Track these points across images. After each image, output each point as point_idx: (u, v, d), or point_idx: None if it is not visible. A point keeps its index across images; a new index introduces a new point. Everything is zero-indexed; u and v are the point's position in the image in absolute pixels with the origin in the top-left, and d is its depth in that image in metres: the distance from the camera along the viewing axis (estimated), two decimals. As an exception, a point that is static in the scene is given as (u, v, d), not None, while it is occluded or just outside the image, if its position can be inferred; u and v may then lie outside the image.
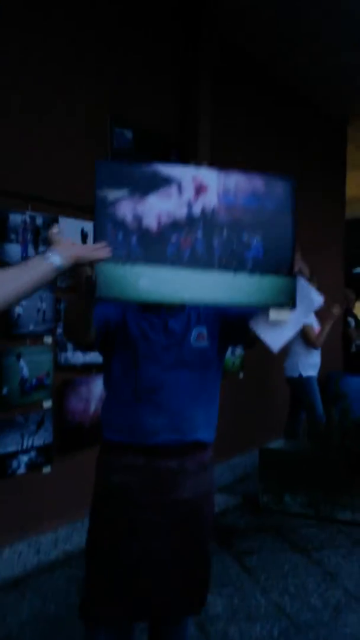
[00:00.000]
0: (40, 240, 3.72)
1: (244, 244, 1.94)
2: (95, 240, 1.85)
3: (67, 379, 3.89)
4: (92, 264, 1.75)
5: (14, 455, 3.57)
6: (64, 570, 3.66)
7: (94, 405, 4.06)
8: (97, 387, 4.08)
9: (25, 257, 3.63)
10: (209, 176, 1.93)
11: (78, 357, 3.96)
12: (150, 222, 1.88)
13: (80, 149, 4.02)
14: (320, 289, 6.14)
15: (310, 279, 5.68)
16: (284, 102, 6.36)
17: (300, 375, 5.33)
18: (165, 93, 4.76)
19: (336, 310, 5.42)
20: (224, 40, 5.29)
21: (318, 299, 2.07)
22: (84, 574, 2.18)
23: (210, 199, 1.92)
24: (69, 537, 3.86)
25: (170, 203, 1.90)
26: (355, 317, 8.07)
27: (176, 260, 1.90)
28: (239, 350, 5.46)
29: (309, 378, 5.33)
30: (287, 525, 4.41)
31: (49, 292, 3.76)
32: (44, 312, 3.75)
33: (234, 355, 5.42)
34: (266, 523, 4.45)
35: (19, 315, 3.59)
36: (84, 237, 4.02)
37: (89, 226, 4.03)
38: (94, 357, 3.88)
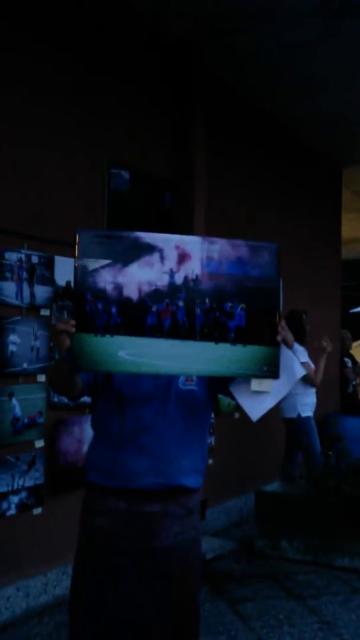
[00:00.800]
0: (35, 278, 3.72)
1: (227, 312, 1.92)
2: (74, 308, 1.88)
3: (59, 418, 3.85)
4: (68, 335, 1.83)
5: (4, 495, 3.49)
6: (53, 615, 3.54)
7: (86, 446, 3.99)
8: (90, 427, 4.02)
9: (20, 296, 3.63)
10: (192, 244, 1.92)
11: (72, 396, 3.92)
12: (131, 291, 1.88)
13: (78, 189, 4.07)
14: (317, 329, 6.12)
15: (302, 320, 5.64)
16: (281, 146, 6.46)
17: (299, 416, 5.25)
18: (161, 135, 4.83)
19: (327, 345, 5.36)
20: (219, 84, 5.40)
21: (300, 370, 2.03)
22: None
23: (193, 267, 1.91)
24: (59, 581, 3.75)
25: (152, 272, 1.89)
26: (351, 357, 8.05)
27: (156, 330, 1.89)
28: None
29: (307, 418, 5.27)
30: (284, 571, 4.30)
31: (42, 330, 3.74)
32: (38, 349, 3.72)
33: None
34: (262, 569, 4.35)
35: (12, 353, 3.57)
36: (79, 275, 4.02)
37: (85, 265, 4.04)
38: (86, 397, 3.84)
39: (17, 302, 3.62)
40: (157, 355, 1.89)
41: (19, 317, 3.61)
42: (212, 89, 5.19)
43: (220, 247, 1.93)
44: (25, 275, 3.68)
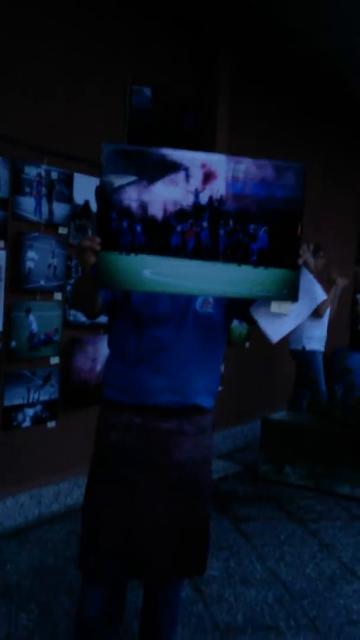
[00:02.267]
0: (54, 195, 3.67)
1: (250, 234, 1.90)
2: (99, 226, 1.84)
3: (75, 337, 3.88)
4: (93, 252, 1.82)
5: (20, 408, 3.58)
6: (64, 523, 3.69)
7: (100, 365, 4.05)
8: (104, 347, 4.07)
9: (39, 212, 3.59)
10: (218, 163, 1.87)
11: (87, 316, 3.95)
12: (156, 210, 1.85)
13: (99, 105, 3.95)
14: (330, 263, 6.03)
15: (316, 253, 5.52)
16: (307, 78, 6.20)
17: (304, 348, 5.23)
18: (186, 54, 4.65)
19: (337, 277, 5.29)
20: (246, 6, 5.13)
21: (321, 294, 2.04)
22: (81, 528, 2.19)
23: (219, 187, 1.86)
24: (71, 491, 3.89)
25: (177, 191, 1.85)
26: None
27: (180, 250, 1.87)
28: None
29: (312, 352, 5.23)
30: (286, 495, 4.44)
31: (60, 248, 3.72)
32: (55, 267, 3.72)
33: (241, 324, 5.39)
34: (265, 492, 4.48)
35: (29, 269, 3.56)
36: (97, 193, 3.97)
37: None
38: (102, 316, 3.86)
39: (35, 218, 3.59)
40: (180, 276, 1.88)
41: (37, 234, 3.59)
42: (238, 9, 4.94)
43: (246, 167, 1.89)
44: (44, 191, 3.63)
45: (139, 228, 1.84)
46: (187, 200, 1.86)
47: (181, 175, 1.86)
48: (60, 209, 3.72)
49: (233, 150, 4.94)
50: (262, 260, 1.91)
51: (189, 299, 2.11)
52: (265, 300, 1.98)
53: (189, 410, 2.12)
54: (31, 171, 3.53)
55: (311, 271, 2.04)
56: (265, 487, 4.58)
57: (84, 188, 3.86)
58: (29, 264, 3.57)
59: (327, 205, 6.76)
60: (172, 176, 1.85)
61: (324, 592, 3.11)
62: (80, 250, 1.86)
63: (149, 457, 2.07)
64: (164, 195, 1.85)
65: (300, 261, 1.93)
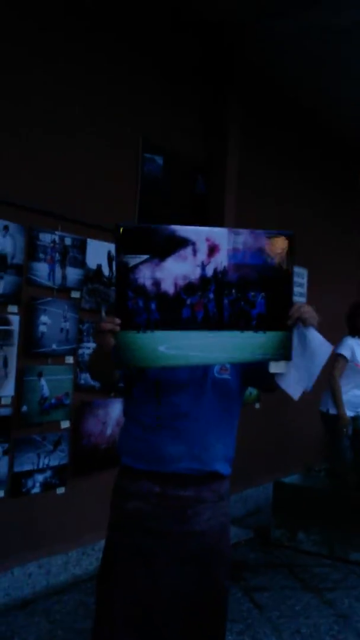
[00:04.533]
0: (67, 260, 3.74)
1: (250, 301, 1.99)
2: (117, 306, 1.88)
3: (85, 400, 3.88)
4: (112, 334, 1.86)
5: (30, 474, 3.54)
6: (72, 594, 3.59)
7: (110, 428, 4.03)
8: (114, 410, 4.06)
9: (52, 277, 3.65)
10: (220, 235, 1.96)
11: (97, 379, 3.95)
12: (168, 286, 1.91)
13: (111, 172, 4.06)
14: (337, 302, 5.87)
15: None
16: (310, 132, 6.40)
17: (327, 412, 4.94)
18: (195, 120, 4.80)
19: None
20: (254, 68, 5.34)
21: (326, 347, 2.10)
22: (95, 599, 2.14)
23: (222, 259, 1.95)
24: (79, 560, 3.80)
25: (186, 265, 1.92)
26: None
27: (191, 322, 1.94)
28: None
29: (334, 416, 4.90)
30: (300, 562, 4.32)
31: (72, 312, 3.76)
32: (67, 331, 3.74)
33: (251, 385, 5.36)
34: (278, 559, 4.37)
35: (42, 333, 3.59)
36: (110, 259, 4.04)
37: (114, 248, 4.04)
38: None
39: (48, 283, 3.64)
40: (192, 347, 1.94)
41: (50, 298, 3.63)
42: (246, 73, 5.15)
43: (244, 238, 1.99)
44: (57, 257, 3.70)
45: (153, 305, 1.90)
46: (195, 274, 1.93)
47: (189, 250, 1.94)
48: (73, 274, 3.78)
49: (242, 210, 5.05)
50: (261, 324, 2.00)
51: (207, 366, 2.13)
52: (272, 363, 2.04)
53: (208, 478, 2.10)
54: (45, 237, 3.61)
55: (312, 326, 2.08)
56: (277, 554, 4.46)
57: (97, 253, 3.93)
58: (42, 328, 3.60)
59: (332, 250, 6.85)
60: (182, 251, 1.93)
61: (343, 668, 3.00)
62: (99, 332, 1.89)
63: (167, 525, 2.04)
64: (174, 271, 1.91)
65: (289, 322, 2.01)
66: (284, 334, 2.03)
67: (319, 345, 2.06)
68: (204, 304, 1.94)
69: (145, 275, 1.89)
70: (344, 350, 4.89)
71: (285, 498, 4.65)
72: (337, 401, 4.85)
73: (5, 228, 3.39)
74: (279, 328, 2.02)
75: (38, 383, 3.57)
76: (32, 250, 3.54)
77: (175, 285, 1.92)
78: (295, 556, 4.42)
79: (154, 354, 1.90)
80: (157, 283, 1.90)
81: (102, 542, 3.93)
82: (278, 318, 2.02)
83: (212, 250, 1.95)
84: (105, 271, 4.01)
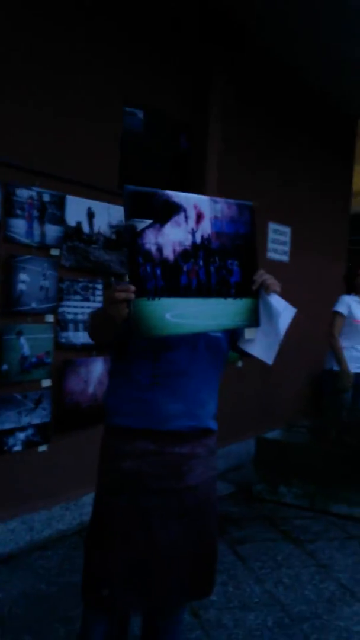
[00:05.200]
0: (45, 217, 3.66)
1: (229, 269, 2.03)
2: (131, 272, 1.83)
3: (67, 359, 3.85)
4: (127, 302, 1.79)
5: (11, 432, 3.53)
6: (56, 549, 3.63)
7: (92, 386, 4.02)
8: (96, 368, 4.04)
9: (30, 234, 3.58)
10: (204, 203, 1.98)
11: (79, 337, 3.92)
12: (168, 252, 1.90)
13: (91, 126, 3.96)
14: (322, 280, 5.98)
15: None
16: (296, 93, 6.28)
17: (332, 369, 5.06)
18: (178, 76, 4.68)
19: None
20: (238, 29, 5.20)
21: (291, 311, 2.15)
22: (86, 558, 2.14)
23: (206, 227, 1.97)
24: (63, 516, 3.83)
25: (180, 232, 1.92)
26: None
27: (187, 289, 1.94)
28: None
29: (330, 371, 5.08)
30: (281, 515, 4.40)
31: (52, 270, 3.71)
32: (47, 290, 3.69)
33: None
34: (260, 512, 4.44)
35: (21, 291, 3.54)
36: (90, 215, 3.97)
37: (95, 205, 3.97)
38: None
39: (27, 241, 3.57)
40: (191, 315, 1.95)
41: (28, 256, 3.57)
42: (232, 33, 5.00)
43: (221, 207, 2.02)
44: (35, 213, 3.62)
45: (158, 271, 1.87)
46: (188, 240, 1.93)
47: (182, 216, 1.94)
48: (52, 231, 3.71)
49: (225, 171, 4.98)
50: (238, 292, 2.05)
51: None
52: (243, 330, 2.12)
53: (202, 434, 2.14)
54: (22, 193, 3.52)
55: (274, 292, 2.12)
56: (260, 507, 4.54)
57: (76, 209, 3.86)
58: (21, 287, 3.54)
59: (319, 224, 6.81)
60: (176, 217, 1.92)
61: (324, 615, 3.07)
62: (113, 302, 1.79)
63: (164, 483, 2.06)
64: (172, 237, 1.90)
65: (253, 287, 2.06)
66: (253, 300, 2.09)
67: (282, 309, 2.11)
68: (196, 271, 1.95)
69: (150, 241, 1.87)
70: (341, 308, 5.04)
71: (267, 453, 4.71)
72: (339, 357, 4.97)
73: (-19, 183, 3.31)
74: (250, 295, 2.08)
75: (18, 342, 3.53)
76: (9, 207, 3.45)
77: (174, 251, 1.91)
78: (277, 509, 4.50)
79: (161, 322, 1.87)
80: (160, 249, 1.89)
81: (85, 498, 3.97)
82: (249, 285, 2.07)
83: (199, 217, 1.96)
84: (85, 228, 3.95)
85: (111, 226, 4.11)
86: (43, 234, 3.66)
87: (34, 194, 3.58)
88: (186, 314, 1.92)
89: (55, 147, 3.72)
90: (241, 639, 2.82)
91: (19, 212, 3.51)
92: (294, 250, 6.39)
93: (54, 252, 3.74)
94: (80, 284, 3.93)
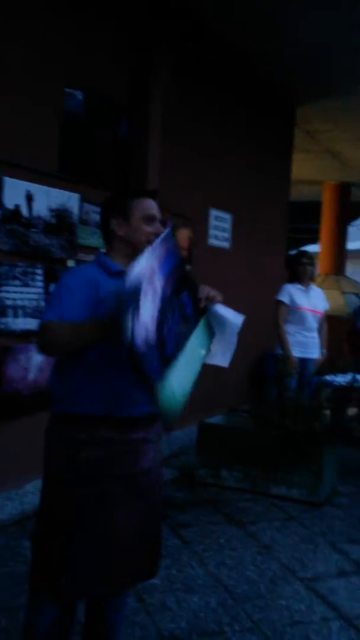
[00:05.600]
0: (-17, 199, 3.56)
1: (184, 302, 2.05)
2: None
3: (5, 346, 3.76)
4: None
5: None
6: (-3, 540, 3.56)
7: (33, 374, 3.95)
8: (37, 355, 3.96)
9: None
10: (151, 257, 1.89)
11: (18, 324, 3.83)
12: (151, 332, 1.83)
13: (30, 108, 3.86)
14: (263, 271, 6.08)
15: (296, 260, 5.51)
16: (239, 79, 6.31)
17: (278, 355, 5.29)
18: (119, 59, 4.62)
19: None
20: (182, 12, 5.17)
21: (239, 318, 2.23)
22: (39, 547, 2.13)
23: (159, 277, 1.91)
24: (3, 506, 3.75)
25: (158, 287, 1.89)
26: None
27: (172, 356, 1.93)
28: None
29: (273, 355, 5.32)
30: (223, 498, 4.45)
31: (-9, 254, 3.61)
32: (-15, 274, 3.59)
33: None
34: (202, 496, 4.47)
35: None
36: (28, 198, 3.88)
37: (35, 188, 3.88)
38: (34, 323, 3.76)
39: (-36, 223, 3.46)
40: (182, 371, 1.96)
41: (-35, 239, 3.46)
42: (174, 16, 4.96)
43: (160, 247, 1.97)
44: (-28, 195, 3.51)
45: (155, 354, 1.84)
46: (157, 308, 1.87)
47: (154, 276, 1.93)
48: (-11, 214, 3.61)
49: (166, 157, 4.95)
50: (195, 318, 2.11)
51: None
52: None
53: (152, 419, 2.15)
54: None
55: (218, 302, 2.21)
56: (202, 491, 4.57)
57: (14, 192, 3.76)
58: None
59: (260, 212, 6.88)
60: (150, 284, 1.89)
61: (266, 594, 3.13)
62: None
63: (121, 469, 2.06)
64: (148, 314, 1.84)
65: (201, 305, 2.11)
66: (204, 317, 2.15)
67: (231, 317, 2.19)
68: (169, 331, 1.93)
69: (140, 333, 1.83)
70: (283, 297, 5.28)
71: (209, 438, 4.74)
72: (283, 344, 5.21)
73: None
74: (201, 314, 2.14)
75: None
76: None
77: (155, 326, 1.87)
78: (219, 493, 4.55)
79: (173, 399, 1.91)
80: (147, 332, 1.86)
81: (28, 487, 3.90)
82: (197, 306, 2.12)
83: (152, 274, 1.88)
84: (24, 212, 3.85)
85: (51, 210, 4.02)
86: (-20, 217, 3.55)
87: (-30, 175, 3.47)
88: (179, 377, 1.93)
89: (-7, 127, 3.61)
90: (185, 620, 2.84)
91: None
92: (234, 236, 6.44)
93: (-8, 235, 3.64)
94: (19, 269, 3.84)
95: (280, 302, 5.23)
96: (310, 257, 5.48)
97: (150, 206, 2.18)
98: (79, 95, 4.25)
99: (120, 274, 2.11)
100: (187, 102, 5.46)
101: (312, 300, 5.32)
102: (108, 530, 2.05)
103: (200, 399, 5.84)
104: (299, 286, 5.28)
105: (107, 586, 2.09)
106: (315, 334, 5.38)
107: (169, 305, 1.92)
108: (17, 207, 3.80)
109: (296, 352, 5.23)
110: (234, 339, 2.23)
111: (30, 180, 3.85)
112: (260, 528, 3.96)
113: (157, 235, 2.10)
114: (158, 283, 1.88)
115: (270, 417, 4.66)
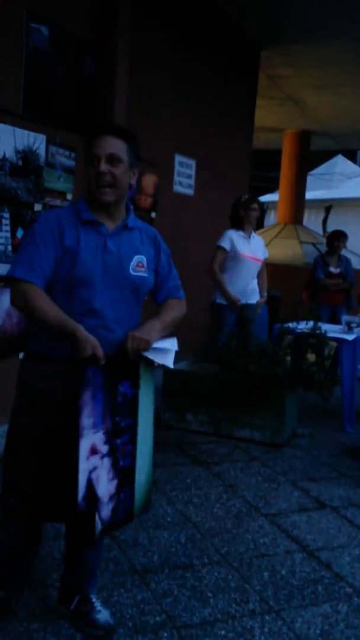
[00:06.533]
0: None
1: (125, 391, 2.18)
2: None
3: (-27, 290, 3.70)
4: None
5: None
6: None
7: (1, 317, 3.90)
8: (5, 299, 3.91)
9: None
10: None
11: (-16, 268, 3.77)
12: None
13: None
14: (225, 213, 6.02)
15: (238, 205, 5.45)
16: (205, 21, 6.15)
17: (213, 301, 5.30)
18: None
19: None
20: None
21: (171, 353, 2.32)
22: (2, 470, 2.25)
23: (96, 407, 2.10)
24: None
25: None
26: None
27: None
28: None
29: (219, 305, 5.29)
30: (189, 441, 4.57)
31: None
32: None
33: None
34: (168, 439, 4.58)
35: None
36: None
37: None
38: (2, 267, 3.72)
39: None
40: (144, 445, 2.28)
41: None
42: None
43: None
44: None
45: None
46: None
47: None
48: None
49: (132, 96, 4.84)
50: (134, 384, 2.22)
51: (121, 262, 2.16)
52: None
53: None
54: None
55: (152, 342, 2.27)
56: (168, 434, 4.68)
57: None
58: None
59: (222, 159, 6.83)
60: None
61: (232, 529, 3.27)
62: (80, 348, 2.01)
63: (69, 402, 2.09)
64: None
65: (133, 358, 2.18)
66: (141, 366, 2.22)
67: (163, 355, 2.26)
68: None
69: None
70: (224, 243, 5.23)
71: (174, 383, 4.83)
72: (221, 287, 5.20)
73: None
74: (136, 371, 2.21)
75: None
76: None
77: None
78: (185, 436, 4.67)
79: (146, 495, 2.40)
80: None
81: (1, 429, 3.91)
82: (130, 366, 2.18)
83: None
84: (-11, 153, 3.74)
85: (17, 152, 3.92)
86: None
87: None
88: (142, 472, 2.29)
89: None
90: (157, 555, 2.96)
91: None
92: (198, 183, 6.40)
93: None
94: (-14, 212, 3.76)
95: (220, 248, 5.19)
96: (260, 204, 5.46)
97: (95, 144, 2.09)
98: (44, 30, 4.10)
99: (89, 223, 2.13)
100: (155, 38, 5.32)
101: (252, 248, 5.32)
102: (56, 457, 2.13)
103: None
104: (241, 233, 5.26)
105: (50, 514, 2.20)
106: (254, 281, 5.42)
107: (116, 411, 2.12)
108: (-15, 149, 3.69)
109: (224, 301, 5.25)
110: (172, 356, 2.31)
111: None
112: (224, 468, 4.10)
113: (97, 176, 2.07)
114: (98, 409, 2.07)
115: (235, 362, 4.76)
